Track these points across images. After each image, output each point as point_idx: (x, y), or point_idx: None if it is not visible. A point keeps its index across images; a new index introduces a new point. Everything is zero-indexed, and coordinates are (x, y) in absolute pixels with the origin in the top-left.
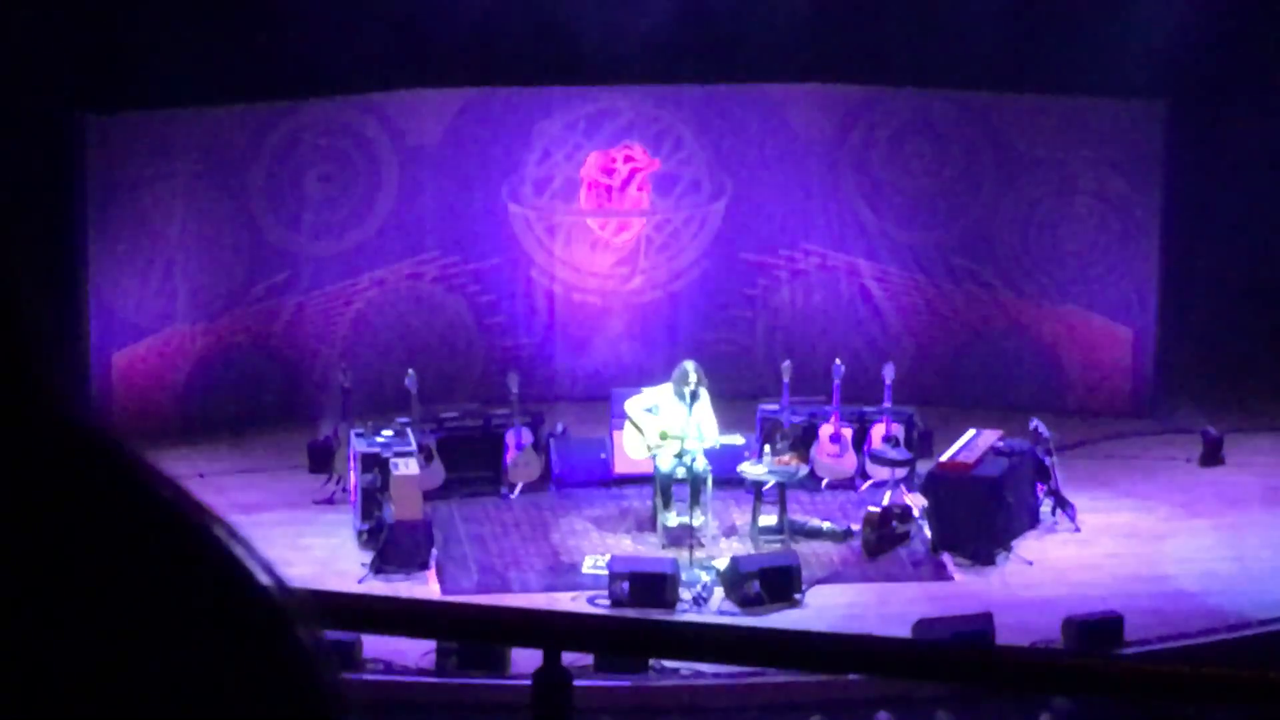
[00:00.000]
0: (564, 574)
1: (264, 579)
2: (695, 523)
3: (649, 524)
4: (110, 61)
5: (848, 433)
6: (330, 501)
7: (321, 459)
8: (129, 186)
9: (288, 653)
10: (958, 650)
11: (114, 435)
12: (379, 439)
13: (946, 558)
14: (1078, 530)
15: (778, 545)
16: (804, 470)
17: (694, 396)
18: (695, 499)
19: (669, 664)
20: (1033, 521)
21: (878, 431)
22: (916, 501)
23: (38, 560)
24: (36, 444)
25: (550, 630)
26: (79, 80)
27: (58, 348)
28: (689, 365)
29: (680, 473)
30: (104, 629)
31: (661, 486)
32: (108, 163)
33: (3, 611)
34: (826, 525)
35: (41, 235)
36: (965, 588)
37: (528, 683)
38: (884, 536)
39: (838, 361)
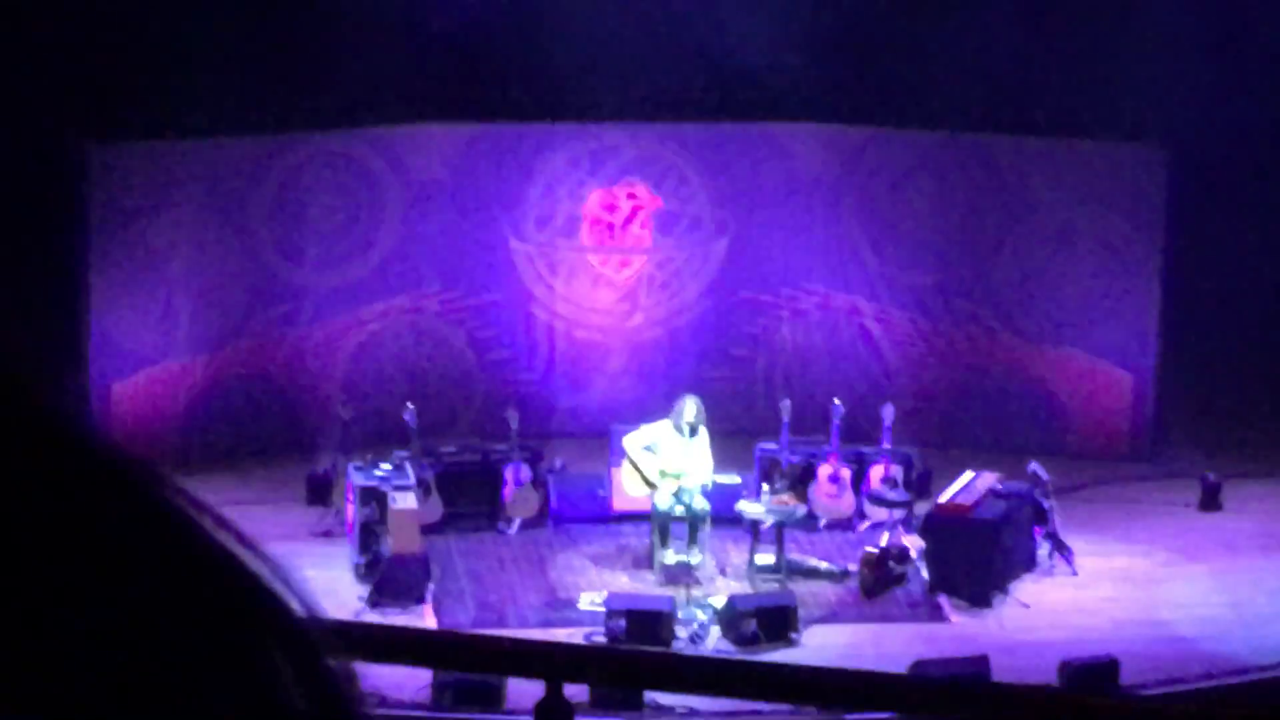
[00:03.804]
0: (561, 610)
1: (298, 607)
2: (693, 561)
3: (646, 561)
4: (115, 91)
5: (846, 473)
6: (328, 534)
7: (320, 491)
8: (131, 216)
9: (319, 678)
10: (954, 686)
11: (145, 461)
12: (377, 472)
13: (943, 599)
14: (1075, 574)
15: (775, 585)
16: (802, 510)
17: (693, 432)
18: (693, 537)
19: (665, 701)
20: (1030, 564)
21: (876, 472)
22: (914, 543)
23: (72, 587)
24: (54, 454)
25: (554, 661)
26: (83, 108)
27: (57, 376)
28: (689, 400)
29: (678, 510)
30: (133, 654)
31: (659, 524)
32: (110, 192)
33: (31, 632)
34: (824, 565)
35: (42, 264)
36: (962, 630)
37: (524, 718)
38: (881, 577)
39: (837, 401)
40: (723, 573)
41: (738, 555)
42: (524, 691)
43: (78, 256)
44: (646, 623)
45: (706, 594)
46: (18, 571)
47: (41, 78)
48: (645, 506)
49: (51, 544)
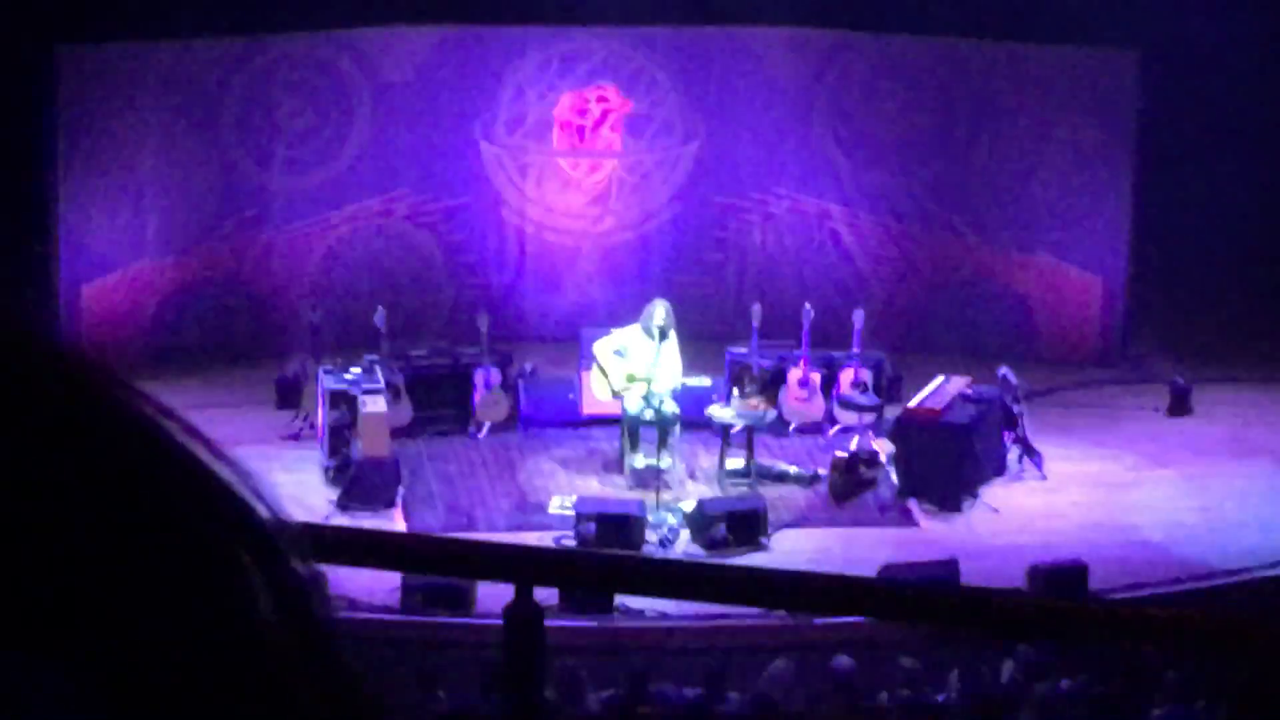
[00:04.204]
0: (530, 514)
1: (261, 510)
2: (662, 465)
3: (616, 466)
4: None
5: (816, 377)
6: (297, 437)
7: (289, 395)
8: (99, 119)
9: (287, 584)
10: (923, 591)
11: (96, 358)
12: (347, 376)
13: (913, 504)
14: (1044, 479)
15: (744, 489)
16: (772, 414)
17: (662, 335)
18: (663, 441)
19: (634, 605)
20: (1000, 469)
21: (846, 376)
22: (884, 447)
23: (24, 484)
24: (16, 363)
25: (523, 565)
26: (50, 10)
27: (25, 279)
28: (659, 303)
29: (648, 415)
30: (100, 563)
31: (629, 428)
32: (79, 95)
33: None
34: (793, 470)
35: (11, 166)
36: (931, 534)
37: (494, 621)
38: (851, 482)
39: (807, 306)
40: (692, 477)
41: (707, 459)
42: (493, 595)
43: (46, 159)
44: (616, 526)
45: (676, 498)
46: None
47: None
48: (615, 411)
49: (13, 454)
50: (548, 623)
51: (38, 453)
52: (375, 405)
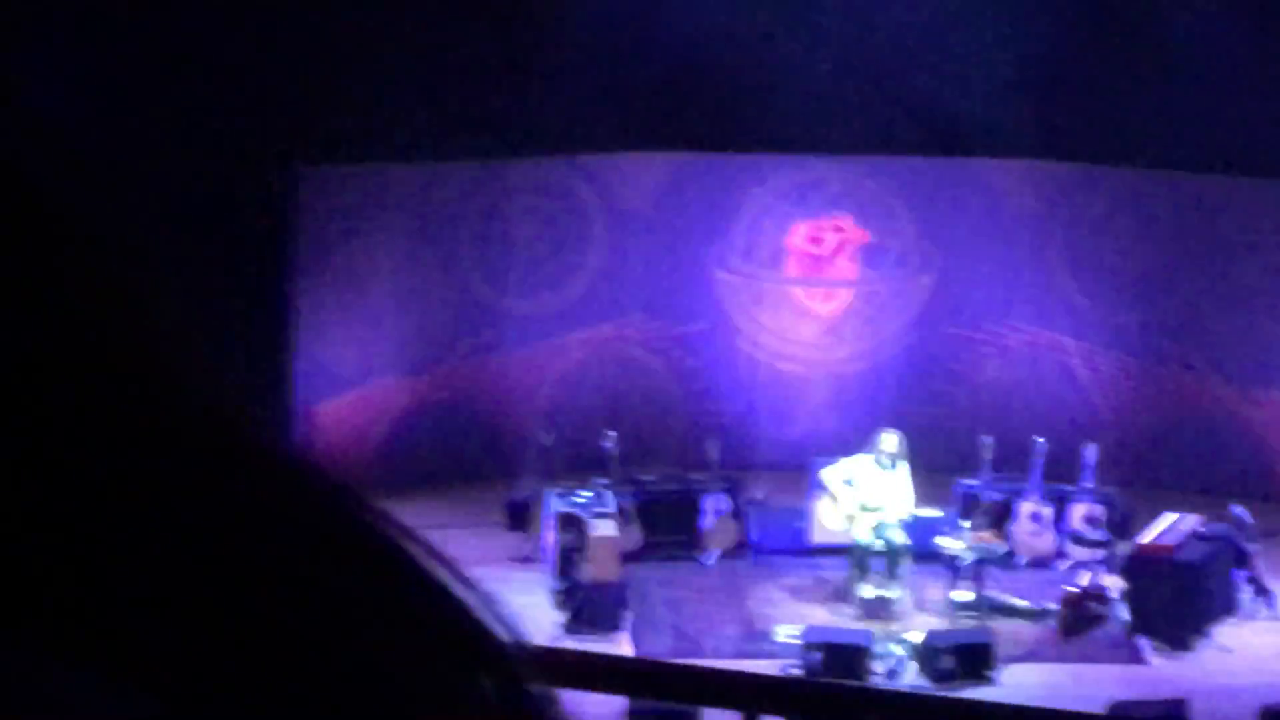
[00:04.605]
0: (757, 641)
1: (500, 632)
2: (891, 595)
3: (844, 595)
4: (326, 113)
5: (1047, 511)
6: (527, 560)
7: (519, 517)
8: (338, 239)
9: (525, 708)
10: None
11: (340, 477)
12: (577, 499)
13: (1143, 641)
14: (1277, 619)
15: (973, 621)
16: (1002, 547)
17: (893, 465)
18: (892, 571)
19: None
20: (1232, 608)
21: (1077, 511)
22: (1115, 583)
23: (277, 605)
24: (266, 480)
25: (750, 691)
26: (293, 130)
27: (262, 399)
28: (889, 433)
29: (877, 545)
30: (347, 684)
31: (858, 558)
32: (319, 214)
33: (253, 666)
34: (1023, 603)
35: (250, 285)
36: (1161, 672)
37: None
38: (1081, 617)
39: (1039, 439)
40: (921, 608)
41: (936, 591)
42: None
43: (285, 278)
44: (843, 656)
45: (904, 629)
46: (231, 610)
47: (252, 99)
48: (844, 539)
49: (263, 576)
50: None
51: (290, 573)
52: (605, 529)
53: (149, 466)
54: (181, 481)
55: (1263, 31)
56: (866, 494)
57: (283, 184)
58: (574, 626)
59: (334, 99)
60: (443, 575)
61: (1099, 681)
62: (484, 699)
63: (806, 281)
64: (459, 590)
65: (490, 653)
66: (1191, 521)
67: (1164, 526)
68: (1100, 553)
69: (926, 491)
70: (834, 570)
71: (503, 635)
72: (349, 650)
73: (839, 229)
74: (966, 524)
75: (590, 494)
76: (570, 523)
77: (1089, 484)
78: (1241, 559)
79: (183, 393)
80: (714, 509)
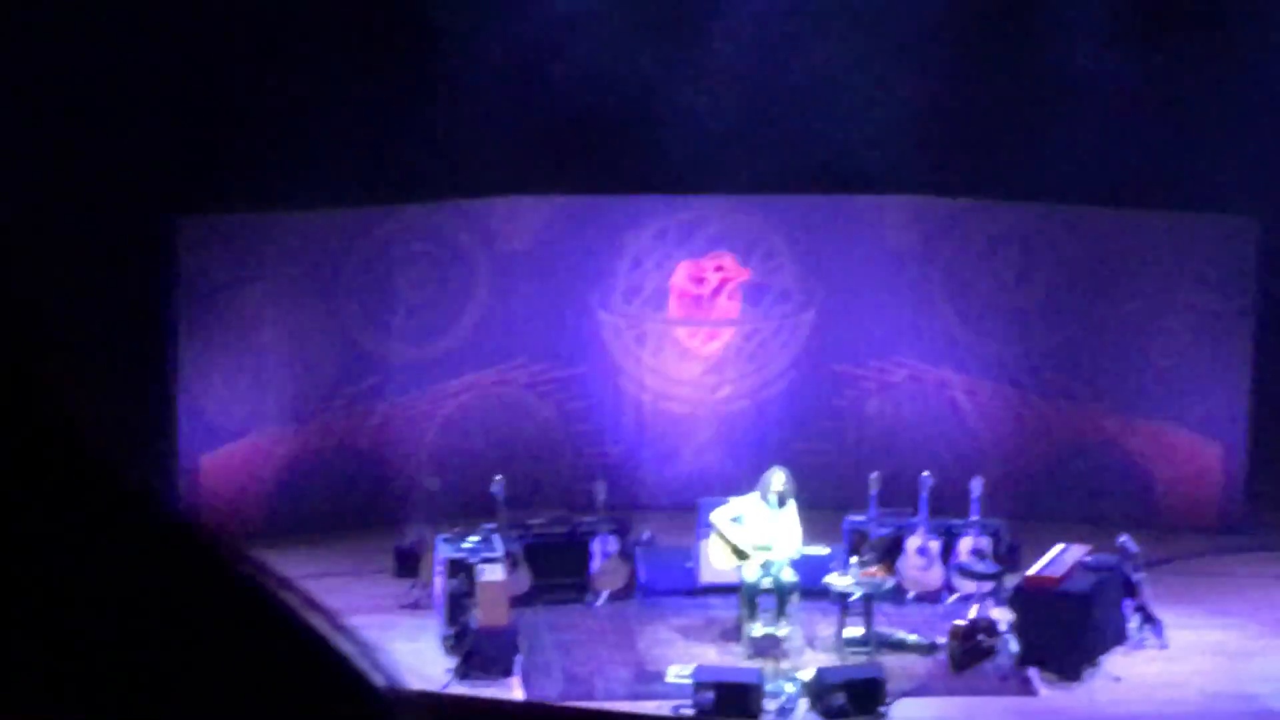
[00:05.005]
0: (648, 682)
1: (379, 680)
2: (781, 633)
3: (734, 634)
4: (205, 164)
5: (935, 545)
6: (415, 606)
7: (407, 563)
8: (221, 288)
9: None
10: None
11: (215, 529)
12: (465, 544)
13: (1033, 673)
14: (1165, 647)
15: (863, 657)
16: (890, 582)
17: (780, 502)
18: (781, 609)
19: None
20: (1120, 638)
21: (965, 544)
22: (1003, 615)
23: (145, 657)
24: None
25: None
26: (173, 181)
27: (146, 450)
28: (777, 471)
29: (766, 583)
30: None
31: (747, 596)
32: (201, 264)
33: (112, 696)
34: (912, 638)
35: (133, 336)
36: (1051, 703)
37: None
38: (970, 650)
39: (925, 474)
40: (810, 645)
41: (826, 628)
42: None
43: (168, 329)
44: (734, 695)
45: (794, 666)
46: (103, 656)
47: (132, 150)
48: (733, 579)
49: (138, 627)
50: None
51: (157, 625)
52: (493, 574)
53: (26, 517)
54: (59, 533)
55: (1142, 66)
56: (755, 533)
57: (164, 234)
58: (464, 672)
59: (214, 148)
60: (320, 625)
61: (990, 713)
62: None
63: (689, 321)
64: (336, 640)
65: (368, 702)
66: (1078, 552)
67: (1051, 557)
68: (988, 585)
69: (814, 529)
70: (723, 610)
71: (381, 683)
72: (222, 703)
73: (720, 268)
74: (855, 560)
75: (478, 539)
76: (458, 568)
77: (976, 517)
78: (1129, 588)
79: (63, 445)
80: (602, 551)
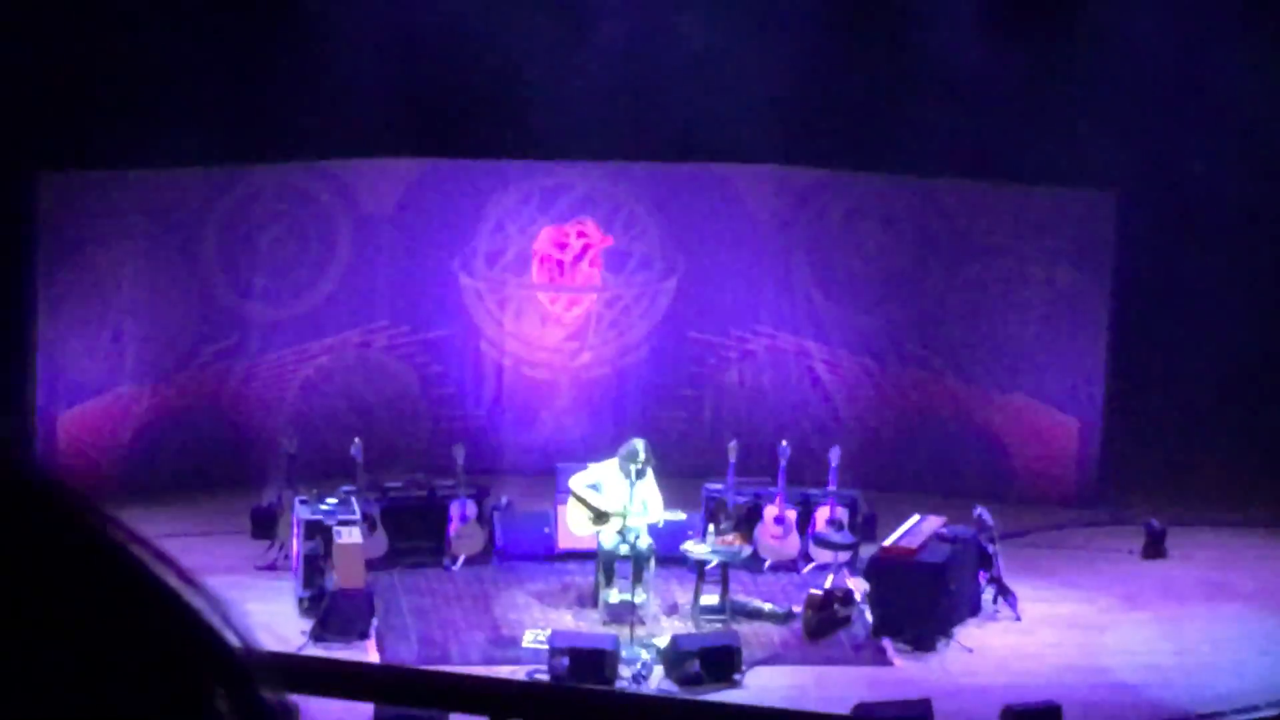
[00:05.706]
0: (504, 647)
1: (231, 637)
2: (637, 600)
3: (591, 600)
4: (66, 120)
5: (792, 514)
6: (272, 567)
7: (264, 525)
8: (80, 245)
9: (256, 712)
10: None
11: (70, 485)
12: (323, 506)
13: (887, 643)
14: (1019, 619)
15: (719, 625)
16: (747, 551)
17: (639, 474)
18: (638, 576)
19: None
20: (974, 609)
21: (822, 514)
22: (859, 585)
23: (6, 624)
24: None
25: (496, 698)
26: (33, 137)
27: (3, 404)
28: (638, 443)
29: (623, 549)
30: (70, 690)
31: (604, 563)
32: (59, 221)
33: None
34: (768, 606)
35: None
36: (905, 673)
37: None
38: (825, 619)
39: (784, 443)
40: (667, 612)
41: (682, 595)
42: None
43: (25, 285)
44: (590, 661)
45: (650, 633)
46: None
47: None
48: (590, 545)
49: None
50: None
51: (8, 579)
52: (350, 536)
53: None
54: None
55: (1003, 43)
56: (613, 500)
57: (22, 190)
58: (320, 634)
59: (73, 104)
60: (173, 582)
61: (844, 683)
62: (213, 705)
63: (550, 287)
64: (190, 597)
65: (221, 659)
66: (934, 523)
67: (907, 528)
68: (844, 555)
69: (672, 496)
70: (580, 575)
71: (235, 641)
72: (70, 659)
73: (582, 234)
74: (712, 528)
75: (336, 501)
76: (315, 530)
77: (833, 487)
78: (984, 560)
79: None
80: (460, 515)
